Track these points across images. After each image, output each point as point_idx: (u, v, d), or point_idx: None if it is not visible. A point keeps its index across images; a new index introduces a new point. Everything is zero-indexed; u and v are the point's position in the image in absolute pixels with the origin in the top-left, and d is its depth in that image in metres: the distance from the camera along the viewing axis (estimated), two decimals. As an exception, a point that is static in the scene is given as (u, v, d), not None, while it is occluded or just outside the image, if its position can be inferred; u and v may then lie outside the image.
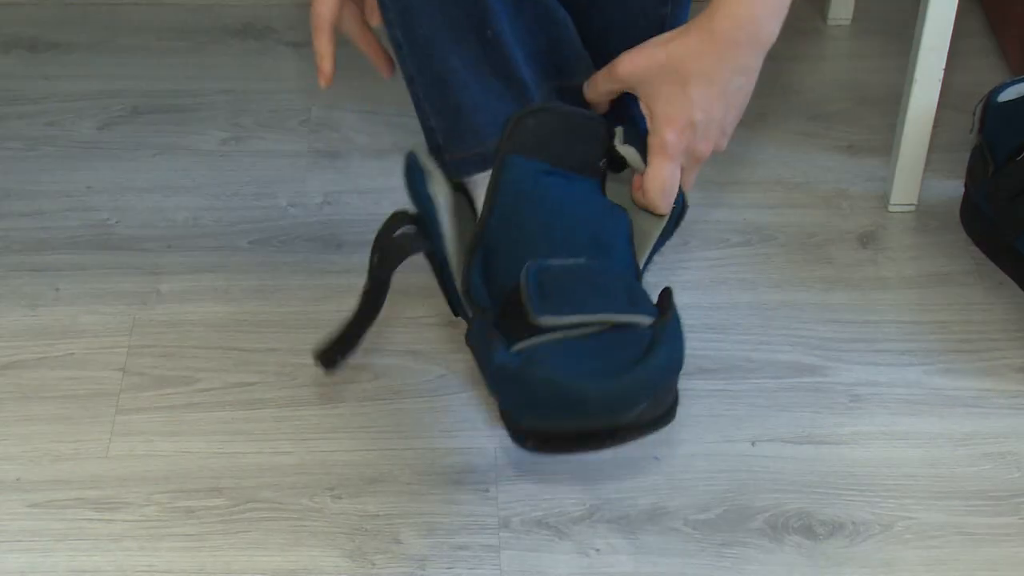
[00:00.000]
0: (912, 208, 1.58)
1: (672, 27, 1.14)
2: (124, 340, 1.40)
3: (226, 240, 1.54)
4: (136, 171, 1.63)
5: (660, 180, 1.14)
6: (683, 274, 1.51)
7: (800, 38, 1.85)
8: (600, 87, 1.16)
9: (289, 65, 1.77)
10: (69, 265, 1.49)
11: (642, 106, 1.13)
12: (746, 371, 1.39)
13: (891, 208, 1.59)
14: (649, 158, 1.15)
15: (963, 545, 1.22)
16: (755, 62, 1.10)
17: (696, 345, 1.42)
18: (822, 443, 1.31)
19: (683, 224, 1.56)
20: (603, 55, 1.15)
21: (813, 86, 1.78)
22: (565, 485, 1.26)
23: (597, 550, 1.21)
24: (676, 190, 1.17)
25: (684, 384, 1.36)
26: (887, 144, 1.63)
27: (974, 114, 1.51)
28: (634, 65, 1.11)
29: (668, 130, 1.12)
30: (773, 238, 1.56)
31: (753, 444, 1.31)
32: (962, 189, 1.56)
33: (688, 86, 1.09)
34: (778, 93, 1.76)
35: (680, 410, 1.33)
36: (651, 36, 1.13)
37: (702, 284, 1.49)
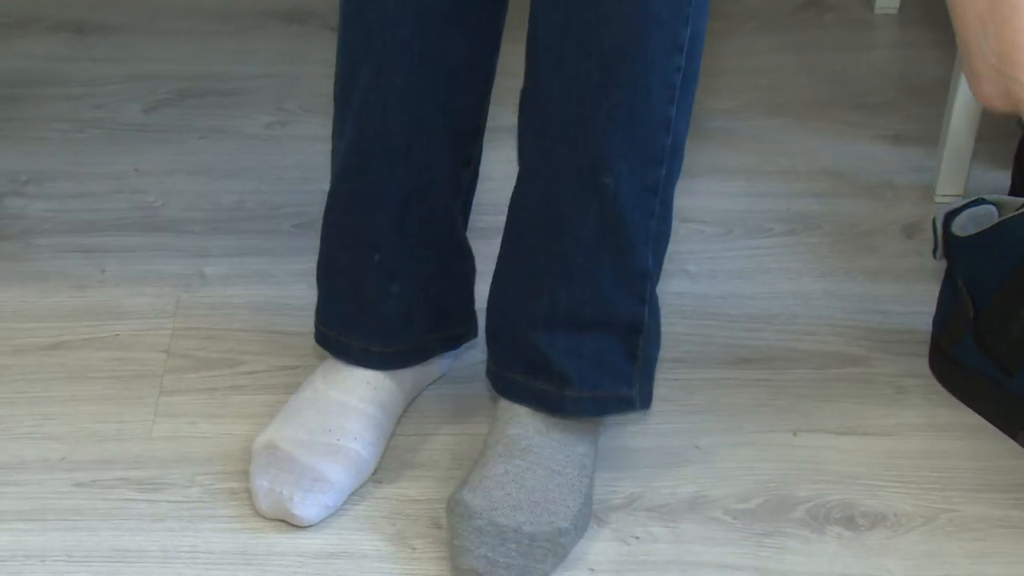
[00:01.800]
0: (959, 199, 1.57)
1: (678, 128, 1.12)
2: (168, 322, 1.41)
3: (271, 224, 1.55)
4: (182, 154, 1.64)
5: None
6: (726, 263, 1.50)
7: (846, 27, 1.83)
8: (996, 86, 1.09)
9: (334, 49, 1.77)
10: (116, 247, 1.50)
11: None
12: (789, 361, 1.39)
13: (937, 198, 1.58)
14: None
15: (1005, 538, 1.21)
16: None
17: (739, 335, 1.41)
18: (865, 434, 1.31)
19: (727, 213, 1.56)
20: (618, 59, 1.11)
21: (859, 75, 1.77)
22: (605, 472, 1.26)
23: (637, 538, 1.20)
24: None
25: (726, 374, 1.36)
26: (934, 134, 1.62)
27: (935, 233, 1.33)
28: None
29: None
30: (817, 227, 1.55)
31: (795, 434, 1.31)
32: (1008, 180, 1.54)
33: None
34: (824, 82, 1.75)
35: (722, 399, 1.33)
36: (658, 135, 1.11)
37: (745, 273, 1.49)
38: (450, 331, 1.28)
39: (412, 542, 1.19)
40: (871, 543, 1.20)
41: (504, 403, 1.22)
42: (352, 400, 1.23)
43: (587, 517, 1.19)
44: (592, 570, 1.17)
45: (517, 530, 1.14)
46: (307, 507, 1.17)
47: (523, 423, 1.19)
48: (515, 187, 1.16)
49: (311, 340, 1.39)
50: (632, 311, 1.17)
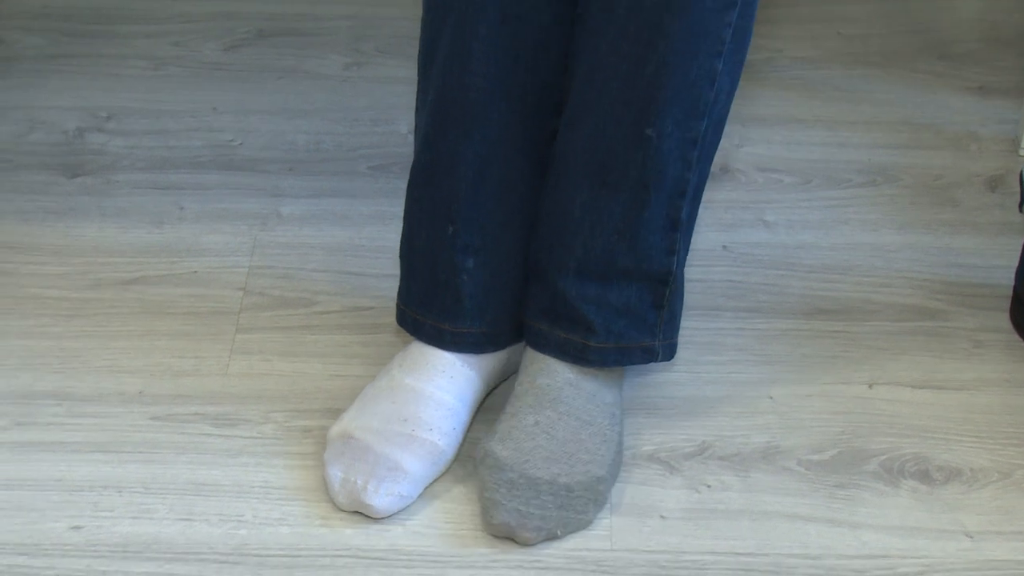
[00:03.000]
0: (1044, 152, 1.55)
1: (722, 82, 1.11)
2: (245, 260, 1.42)
3: (346, 165, 1.55)
4: (259, 93, 1.64)
5: None
6: (804, 213, 1.49)
7: (933, -25, 1.80)
8: None
9: (412, -9, 1.77)
10: (193, 184, 1.51)
11: None
12: (866, 313, 1.37)
13: (1022, 152, 1.55)
14: None
15: (1083, 497, 1.20)
16: None
17: (815, 286, 1.40)
18: (941, 388, 1.29)
19: (806, 163, 1.55)
20: (667, 14, 1.10)
21: (944, 25, 1.74)
22: (677, 421, 1.26)
23: (708, 486, 1.20)
24: None
25: (801, 324, 1.35)
26: (1020, 85, 1.59)
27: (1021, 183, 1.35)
28: None
29: None
30: (898, 179, 1.53)
31: (871, 387, 1.30)
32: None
33: None
34: (907, 32, 1.72)
35: (797, 350, 1.32)
36: (703, 88, 1.10)
37: (824, 224, 1.47)
38: None
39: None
40: (945, 497, 1.19)
41: (531, 352, 1.21)
42: (429, 389, 1.20)
43: (619, 466, 1.19)
44: (663, 517, 1.17)
45: (552, 482, 1.14)
46: (382, 497, 1.15)
47: (553, 373, 1.19)
48: (559, 135, 1.16)
49: (385, 282, 1.40)
50: (662, 262, 1.17)
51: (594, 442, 1.17)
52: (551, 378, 1.19)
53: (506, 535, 1.13)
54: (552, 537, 1.14)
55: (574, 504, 1.14)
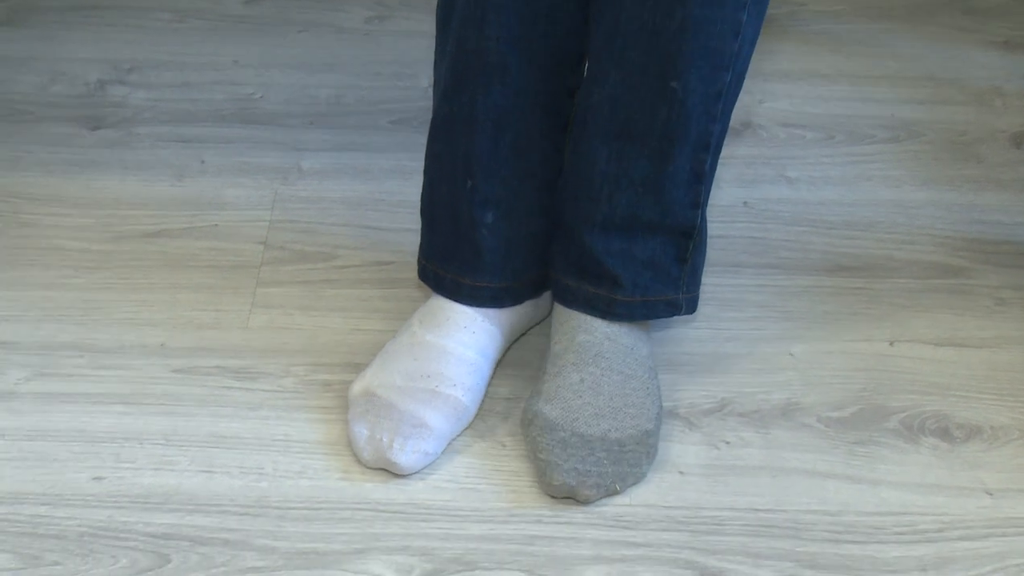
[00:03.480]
0: (1069, 109, 1.53)
1: (746, 34, 1.10)
2: (266, 214, 1.42)
3: (367, 119, 1.55)
4: (281, 47, 1.64)
5: None
6: (826, 169, 1.48)
7: (960, -71, 1.78)
8: None
9: (434, -56, 1.76)
10: (214, 137, 1.51)
11: None
12: (887, 270, 1.37)
13: (1047, 108, 1.54)
14: None
15: (1104, 456, 1.20)
16: None
17: (837, 242, 1.40)
18: (963, 345, 1.29)
19: (829, 118, 1.54)
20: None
21: (971, -21, 1.73)
22: (697, 377, 1.26)
23: (727, 442, 1.20)
24: None
25: (823, 281, 1.35)
26: (1047, 42, 1.58)
27: None
28: None
29: None
30: (921, 135, 1.52)
31: (892, 344, 1.29)
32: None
33: None
34: (934, -15, 1.71)
35: (817, 307, 1.32)
36: (728, 41, 1.09)
37: (846, 180, 1.47)
38: (547, 272, 1.25)
39: (502, 439, 1.20)
40: (966, 455, 1.19)
41: (563, 309, 1.21)
42: (450, 345, 1.21)
43: (662, 418, 1.19)
44: (682, 473, 1.17)
45: (604, 438, 1.14)
46: (407, 454, 1.15)
47: (591, 329, 1.19)
48: (581, 90, 1.15)
49: (406, 236, 1.40)
50: (686, 215, 1.17)
51: (639, 396, 1.17)
52: (590, 334, 1.19)
53: (567, 495, 1.14)
54: (611, 493, 1.14)
55: (627, 458, 1.15)
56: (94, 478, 1.15)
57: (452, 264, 1.21)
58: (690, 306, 1.22)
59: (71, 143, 1.50)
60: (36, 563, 1.08)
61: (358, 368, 1.25)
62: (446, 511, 1.14)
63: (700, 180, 1.15)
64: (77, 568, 1.08)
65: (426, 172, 1.22)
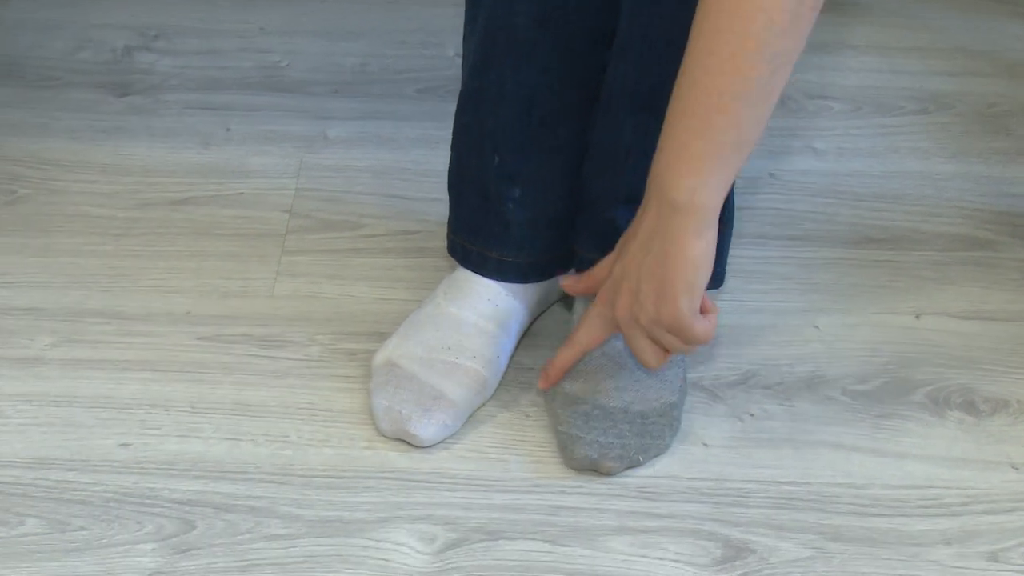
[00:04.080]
0: (1101, 81, 1.52)
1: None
2: (291, 182, 1.42)
3: (393, 88, 1.54)
4: (307, 15, 1.64)
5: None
6: (855, 140, 1.47)
7: (992, -102, 1.77)
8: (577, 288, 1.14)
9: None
10: (240, 105, 1.51)
11: None
12: (914, 242, 1.36)
13: (1078, 81, 1.53)
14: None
15: None
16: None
17: (863, 214, 1.39)
18: (990, 319, 1.28)
19: (857, 89, 1.53)
20: None
21: (1003, -51, 1.71)
22: (721, 349, 1.26)
23: (751, 415, 1.20)
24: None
25: (849, 253, 1.34)
26: (1079, 13, 1.56)
27: None
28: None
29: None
30: (951, 107, 1.51)
31: (918, 317, 1.29)
32: None
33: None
34: (965, -44, 1.69)
35: (843, 279, 1.32)
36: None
37: (874, 151, 1.46)
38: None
39: (526, 410, 1.20)
40: (992, 429, 1.19)
41: None
42: (472, 317, 1.20)
43: (686, 390, 1.19)
44: (705, 445, 1.17)
45: (627, 410, 1.14)
46: (426, 426, 1.15)
47: None
48: (608, 65, 1.15)
49: (431, 206, 1.40)
50: None
51: (661, 368, 1.17)
52: None
53: (589, 468, 1.14)
54: (634, 464, 1.14)
55: (650, 430, 1.15)
56: (120, 444, 1.16)
57: (479, 238, 1.21)
58: (715, 281, 1.22)
59: (98, 110, 1.51)
60: (62, 528, 1.09)
61: (383, 337, 1.25)
62: (470, 481, 1.14)
63: None
64: (103, 533, 1.09)
65: (453, 146, 1.21)
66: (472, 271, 1.22)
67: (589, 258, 1.20)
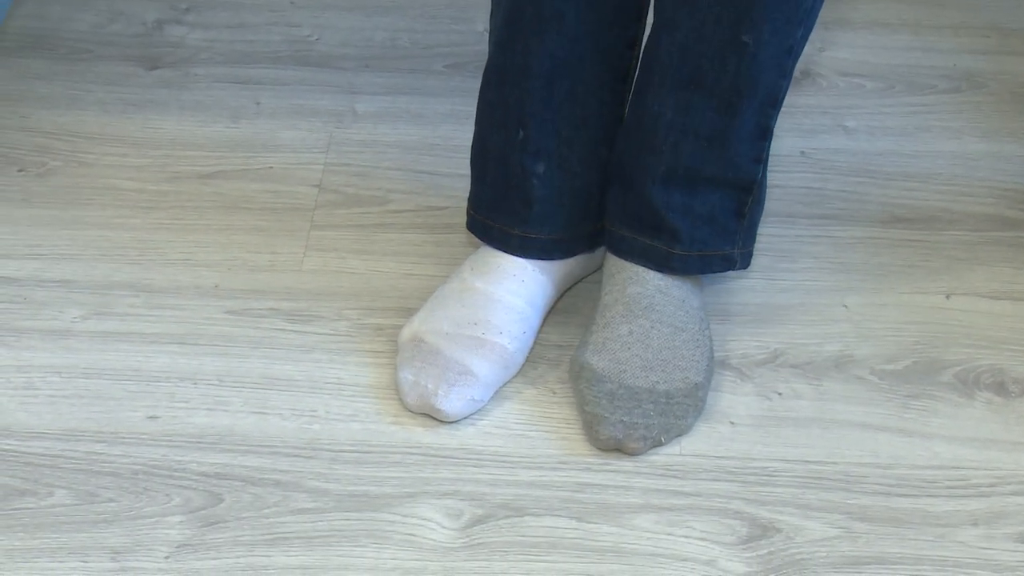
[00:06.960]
0: None
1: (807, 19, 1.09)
2: (320, 157, 1.42)
3: (422, 63, 1.54)
4: (337, -11, 1.64)
5: None
6: (885, 119, 1.46)
7: None
8: None
9: None
10: (270, 79, 1.51)
11: None
12: (945, 222, 1.35)
13: (1113, 60, 1.51)
14: None
15: None
16: None
17: (894, 193, 1.38)
18: (1020, 299, 1.28)
19: (889, 68, 1.52)
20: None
21: (1038, -73, 1.69)
22: (750, 328, 1.25)
23: (779, 394, 1.20)
24: None
25: (879, 233, 1.33)
26: (1115, -8, 1.55)
27: None
28: None
29: None
30: (984, 86, 1.50)
31: (948, 297, 1.28)
32: None
33: None
34: (1000, -67, 1.68)
35: (873, 259, 1.31)
36: (794, 15, 1.07)
37: (905, 130, 1.45)
38: (600, 226, 1.24)
39: (553, 386, 1.20)
40: (1021, 410, 1.18)
41: (616, 261, 1.21)
42: (499, 292, 1.20)
43: (712, 371, 1.19)
44: (732, 423, 1.17)
45: (652, 390, 1.14)
46: (452, 401, 1.15)
47: (643, 281, 1.19)
48: (649, 39, 1.14)
49: (459, 182, 1.39)
50: (749, 170, 1.15)
51: (688, 348, 1.17)
52: (641, 286, 1.19)
53: (614, 448, 1.14)
54: (657, 444, 1.14)
55: (674, 410, 1.14)
56: (149, 417, 1.17)
57: (501, 214, 1.21)
58: (744, 261, 1.21)
59: (128, 83, 1.51)
60: (92, 499, 1.10)
61: (410, 313, 1.25)
62: (496, 457, 1.14)
63: (765, 136, 1.14)
64: (131, 505, 1.10)
65: (478, 121, 1.21)
66: (495, 248, 1.22)
67: (619, 235, 1.20)
